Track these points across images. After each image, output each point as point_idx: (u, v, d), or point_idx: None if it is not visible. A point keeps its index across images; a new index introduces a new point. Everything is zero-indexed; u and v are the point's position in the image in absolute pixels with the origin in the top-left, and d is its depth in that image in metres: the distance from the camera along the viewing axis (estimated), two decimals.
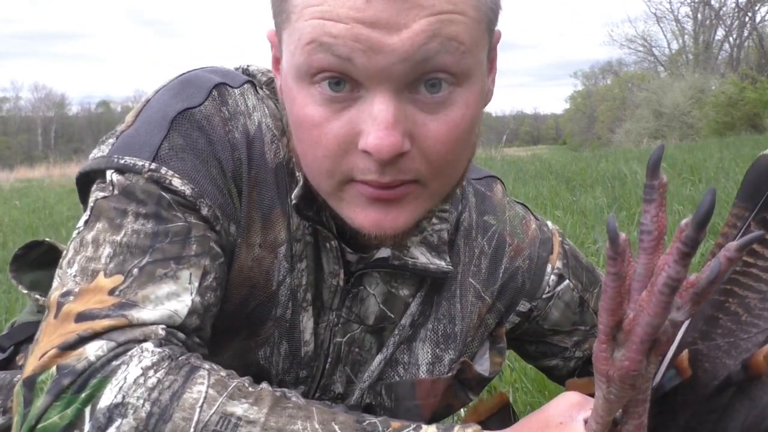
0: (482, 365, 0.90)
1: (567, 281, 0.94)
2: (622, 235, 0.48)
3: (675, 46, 35.01)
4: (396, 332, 0.85)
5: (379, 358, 0.85)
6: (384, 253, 0.80)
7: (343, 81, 0.64)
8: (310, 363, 0.82)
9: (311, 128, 0.66)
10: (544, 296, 0.93)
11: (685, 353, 0.69)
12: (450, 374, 0.87)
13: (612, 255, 0.49)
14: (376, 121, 0.63)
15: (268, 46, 0.76)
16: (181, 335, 0.66)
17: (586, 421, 0.59)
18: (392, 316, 0.84)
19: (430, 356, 0.86)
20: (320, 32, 0.62)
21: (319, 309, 0.81)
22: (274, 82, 0.81)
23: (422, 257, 0.83)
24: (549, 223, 0.99)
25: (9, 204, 8.74)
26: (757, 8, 29.20)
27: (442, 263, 0.84)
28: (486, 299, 0.89)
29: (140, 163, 0.70)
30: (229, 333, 0.77)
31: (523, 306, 0.93)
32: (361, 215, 0.69)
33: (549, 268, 0.93)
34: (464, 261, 0.88)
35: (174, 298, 0.66)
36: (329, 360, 0.83)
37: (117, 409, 0.57)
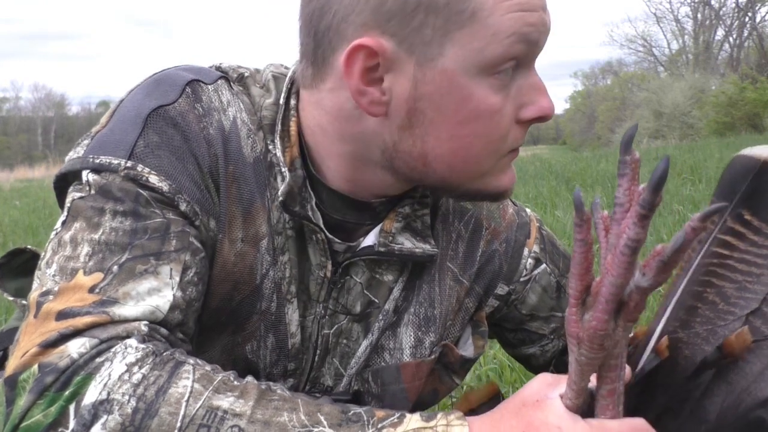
0: (466, 350, 0.91)
1: (544, 265, 0.95)
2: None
3: (675, 46, 35.14)
4: (380, 317, 0.85)
5: (365, 343, 0.85)
6: (370, 240, 0.81)
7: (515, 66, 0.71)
8: (297, 355, 0.82)
9: (492, 116, 0.71)
10: (521, 279, 0.94)
11: (664, 339, 0.71)
12: (432, 357, 0.88)
13: (578, 222, 0.53)
14: (541, 90, 0.72)
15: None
16: (163, 331, 0.65)
17: (562, 397, 0.60)
18: (377, 301, 0.85)
19: (412, 339, 0.87)
20: (521, 23, 0.67)
21: (305, 302, 0.82)
22: (245, 78, 0.81)
23: (407, 242, 0.83)
24: (527, 209, 1.00)
25: (9, 204, 8.75)
26: (757, 8, 29.26)
27: (427, 246, 0.84)
28: (464, 282, 0.90)
29: (116, 162, 0.70)
30: (215, 329, 0.78)
31: (501, 289, 0.93)
32: (505, 178, 0.78)
33: (526, 252, 0.94)
34: (442, 245, 0.89)
35: (155, 294, 0.66)
36: (317, 352, 0.84)
37: (102, 406, 0.56)
